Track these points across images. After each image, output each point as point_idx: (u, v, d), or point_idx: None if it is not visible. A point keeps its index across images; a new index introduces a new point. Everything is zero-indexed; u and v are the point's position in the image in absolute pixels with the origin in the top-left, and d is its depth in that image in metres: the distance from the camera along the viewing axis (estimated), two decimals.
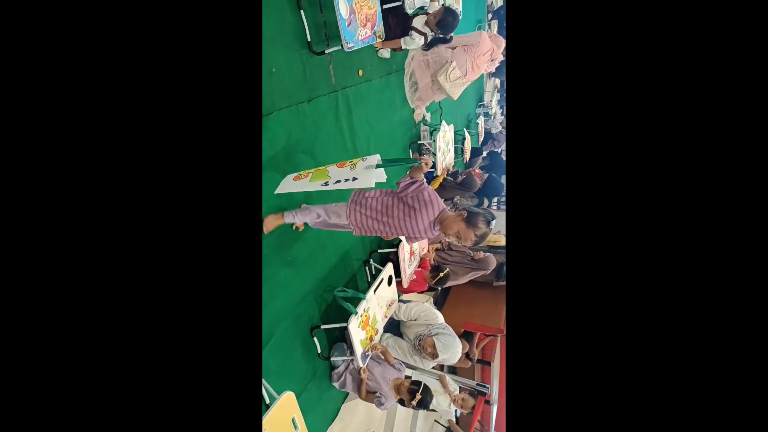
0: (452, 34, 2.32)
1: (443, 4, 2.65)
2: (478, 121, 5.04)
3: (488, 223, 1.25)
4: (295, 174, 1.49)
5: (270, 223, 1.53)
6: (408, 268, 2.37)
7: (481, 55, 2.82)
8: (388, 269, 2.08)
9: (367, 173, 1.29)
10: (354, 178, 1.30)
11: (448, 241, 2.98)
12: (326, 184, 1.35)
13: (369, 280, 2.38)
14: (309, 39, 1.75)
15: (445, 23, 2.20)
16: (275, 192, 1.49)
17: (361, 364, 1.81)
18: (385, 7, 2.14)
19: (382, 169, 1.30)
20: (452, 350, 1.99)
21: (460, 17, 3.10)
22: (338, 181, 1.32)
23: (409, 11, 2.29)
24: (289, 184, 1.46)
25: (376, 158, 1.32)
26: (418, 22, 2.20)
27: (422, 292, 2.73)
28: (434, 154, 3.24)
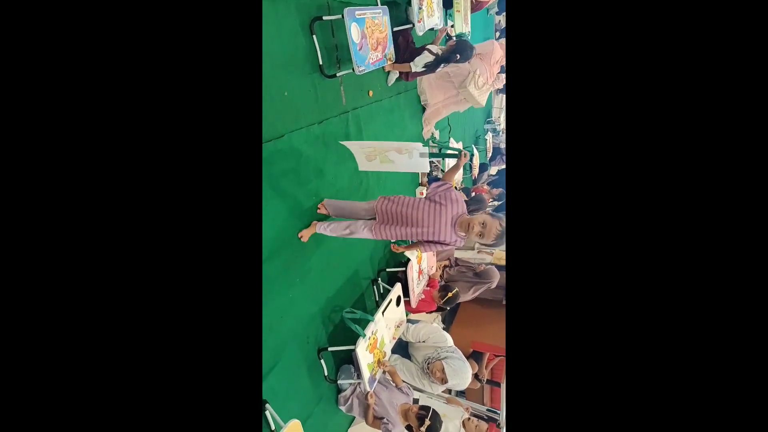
0: (458, 55, 2.35)
1: (456, 35, 2.75)
2: (486, 137, 5.05)
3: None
4: (366, 149, 1.67)
5: (306, 234, 1.70)
6: (416, 288, 2.34)
7: (495, 63, 2.95)
8: (397, 289, 2.05)
9: (415, 156, 1.52)
10: (406, 153, 1.53)
11: (456, 258, 2.98)
12: (383, 161, 1.62)
13: (377, 299, 2.36)
14: (321, 62, 1.78)
15: (462, 52, 2.31)
16: (360, 169, 1.74)
17: (368, 389, 1.77)
18: (395, 29, 2.18)
19: (426, 159, 1.54)
20: (462, 375, 1.94)
21: (470, 36, 3.18)
22: (392, 157, 1.59)
23: (420, 33, 2.34)
24: (365, 165, 1.71)
25: (419, 145, 1.51)
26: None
27: (430, 312, 2.69)
28: (442, 171, 3.25)
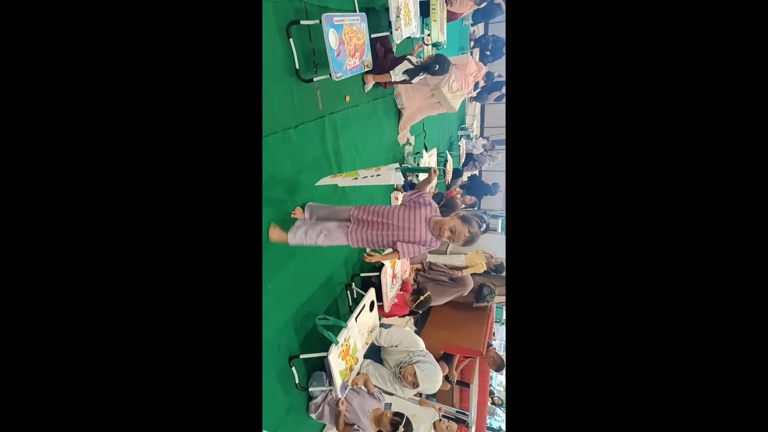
0: (437, 66, 2.42)
1: (432, 52, 2.87)
2: (459, 143, 5.18)
3: (480, 224, 1.41)
4: (331, 175, 1.75)
5: (276, 235, 1.63)
6: (390, 292, 2.36)
7: (470, 74, 3.08)
8: (371, 295, 2.06)
9: (389, 173, 1.56)
10: (377, 175, 1.58)
11: (428, 262, 3.03)
12: (356, 179, 1.62)
13: (350, 304, 2.35)
14: (297, 67, 1.76)
15: (441, 64, 2.40)
16: (316, 184, 1.73)
17: (340, 396, 1.77)
18: (373, 36, 2.20)
19: (400, 172, 1.58)
20: (433, 379, 1.98)
21: (446, 45, 3.28)
22: (365, 177, 1.60)
23: (397, 41, 2.37)
24: (328, 179, 1.71)
25: (395, 165, 1.60)
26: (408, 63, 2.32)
27: (403, 316, 2.72)
28: (417, 176, 3.30)
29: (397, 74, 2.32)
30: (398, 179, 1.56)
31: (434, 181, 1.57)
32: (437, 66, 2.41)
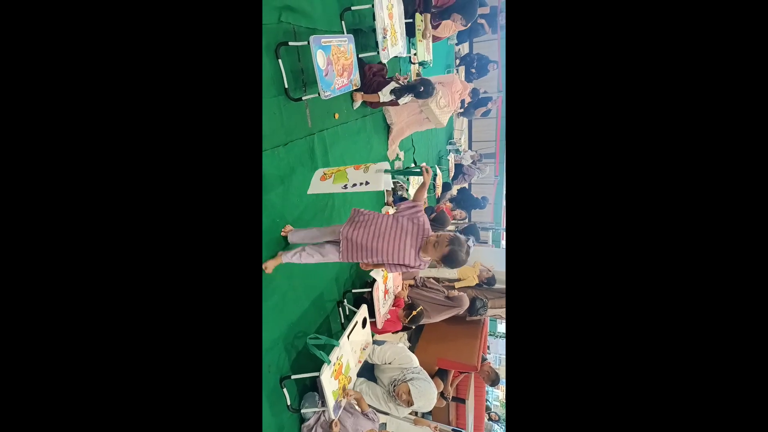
0: (422, 88, 2.52)
1: (418, 74, 2.97)
2: (448, 157, 5.26)
3: (468, 249, 1.40)
4: (322, 173, 1.64)
5: (270, 265, 1.63)
6: (383, 308, 2.34)
7: (456, 92, 3.20)
8: (363, 311, 2.04)
9: (378, 177, 1.48)
10: (367, 182, 1.50)
11: (422, 278, 3.03)
12: (345, 187, 1.54)
13: (342, 321, 2.32)
14: (286, 86, 1.79)
15: (426, 86, 2.51)
16: (308, 192, 1.66)
17: (333, 417, 1.72)
18: (361, 56, 2.26)
19: (389, 175, 1.50)
20: (427, 397, 1.94)
21: (432, 64, 3.39)
22: (355, 185, 1.52)
23: (384, 60, 2.44)
24: (317, 185, 1.63)
25: (384, 165, 1.50)
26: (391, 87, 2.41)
27: (396, 332, 2.69)
28: (407, 190, 3.34)
29: (384, 94, 2.38)
30: (387, 184, 1.51)
31: (428, 183, 1.53)
32: (422, 88, 2.50)
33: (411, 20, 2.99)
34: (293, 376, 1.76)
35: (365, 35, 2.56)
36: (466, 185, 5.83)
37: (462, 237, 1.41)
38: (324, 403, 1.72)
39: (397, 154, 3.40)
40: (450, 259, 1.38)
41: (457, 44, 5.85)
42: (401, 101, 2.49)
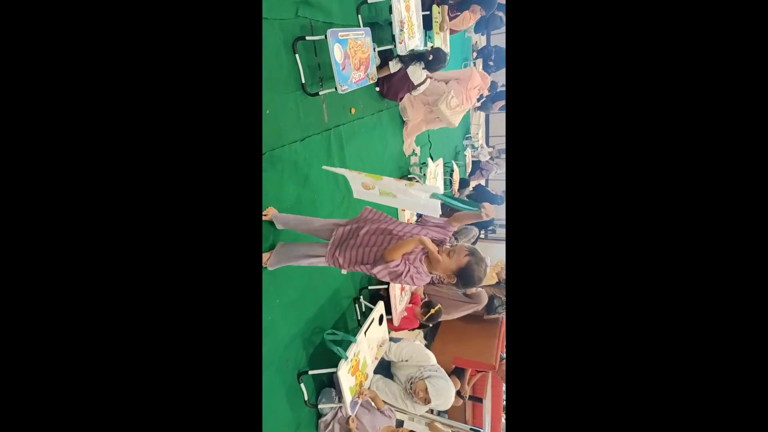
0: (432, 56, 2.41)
1: (432, 45, 2.83)
2: (465, 153, 5.17)
3: (485, 271, 1.21)
4: (361, 180, 1.47)
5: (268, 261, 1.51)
6: (399, 305, 2.32)
7: (473, 88, 3.04)
8: (379, 308, 2.03)
9: (425, 201, 1.32)
10: (413, 200, 1.34)
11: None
12: (395, 198, 1.41)
13: (359, 318, 2.32)
14: (303, 81, 1.78)
15: (436, 55, 2.36)
16: (354, 197, 1.55)
17: (350, 413, 1.72)
18: (378, 49, 2.22)
19: (438, 201, 1.31)
20: (445, 395, 1.92)
21: (450, 57, 3.29)
22: (404, 199, 1.38)
23: (401, 54, 2.39)
24: (362, 194, 1.51)
25: (432, 188, 1.31)
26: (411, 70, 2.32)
27: (412, 329, 2.66)
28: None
29: (394, 65, 2.33)
30: (435, 209, 1.32)
31: (478, 220, 1.31)
32: (431, 56, 2.36)
33: (428, 12, 2.92)
34: (310, 372, 1.76)
35: (382, 28, 2.53)
36: (483, 182, 5.72)
37: (480, 253, 1.21)
38: (341, 399, 1.72)
39: (413, 149, 3.36)
40: (465, 274, 1.18)
41: (476, 33, 5.71)
42: (410, 70, 2.37)
